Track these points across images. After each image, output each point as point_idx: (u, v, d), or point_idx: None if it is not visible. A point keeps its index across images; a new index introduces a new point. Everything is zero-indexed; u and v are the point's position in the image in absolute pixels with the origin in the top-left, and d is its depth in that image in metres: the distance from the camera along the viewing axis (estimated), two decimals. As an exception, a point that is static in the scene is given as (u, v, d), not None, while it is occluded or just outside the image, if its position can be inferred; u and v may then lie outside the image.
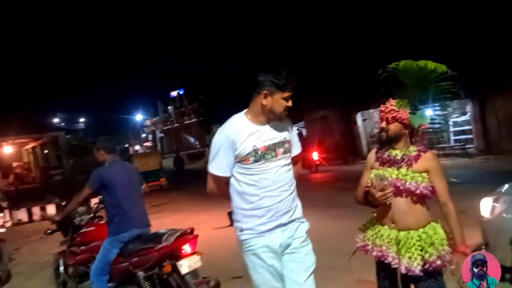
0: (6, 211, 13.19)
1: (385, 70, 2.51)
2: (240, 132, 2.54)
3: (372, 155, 2.62)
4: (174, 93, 45.53)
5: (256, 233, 2.55)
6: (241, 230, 2.59)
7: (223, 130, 2.57)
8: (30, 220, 13.78)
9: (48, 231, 4.79)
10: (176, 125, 45.57)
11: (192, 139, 41.15)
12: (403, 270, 2.33)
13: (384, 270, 2.47)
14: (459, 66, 2.84)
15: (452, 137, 18.26)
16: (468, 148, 16.36)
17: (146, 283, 3.86)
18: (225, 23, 24.86)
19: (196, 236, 3.84)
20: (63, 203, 4.94)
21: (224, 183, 2.64)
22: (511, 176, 10.07)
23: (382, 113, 2.51)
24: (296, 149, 2.73)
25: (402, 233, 2.39)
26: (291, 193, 2.63)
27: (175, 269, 3.71)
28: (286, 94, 2.55)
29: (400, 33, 16.46)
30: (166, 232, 3.88)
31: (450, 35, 14.81)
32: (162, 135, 51.06)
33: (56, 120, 37.45)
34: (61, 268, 4.74)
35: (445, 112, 16.71)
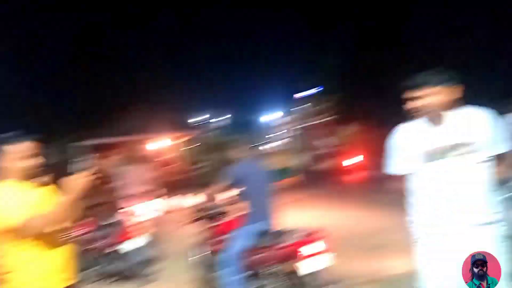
0: (162, 199, 14.74)
1: None
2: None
3: None
4: (310, 91, 45.84)
5: None
6: None
7: None
8: (178, 208, 15.20)
9: (189, 220, 5.24)
10: (311, 123, 45.84)
11: (326, 138, 40.98)
12: None
13: None
14: None
15: None
16: None
17: (269, 279, 3.99)
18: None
19: (322, 237, 3.81)
20: (205, 194, 5.34)
21: None
22: None
23: None
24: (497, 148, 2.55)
25: None
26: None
27: (295, 269, 3.74)
28: None
29: None
30: (292, 230, 3.94)
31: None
32: (296, 132, 51.80)
33: (203, 117, 40.92)
34: (202, 255, 5.13)
35: None
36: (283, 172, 10.08)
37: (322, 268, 3.71)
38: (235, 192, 4.84)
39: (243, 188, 4.28)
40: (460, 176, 2.53)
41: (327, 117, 40.09)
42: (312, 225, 4.13)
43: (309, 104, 46.35)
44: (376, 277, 4.65)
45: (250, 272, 4.26)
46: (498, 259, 2.44)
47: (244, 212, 4.35)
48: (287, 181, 10.90)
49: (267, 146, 57.21)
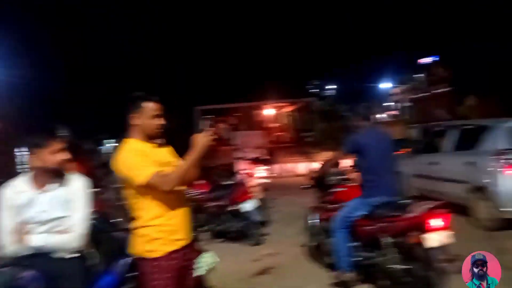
0: (269, 165, 15.24)
1: None
2: None
3: None
4: (425, 60, 42.92)
5: None
6: None
7: None
8: (286, 175, 15.59)
9: (304, 186, 5.32)
10: (425, 94, 43.06)
11: (441, 110, 38.29)
12: None
13: None
14: None
15: None
16: None
17: (390, 249, 3.94)
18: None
19: (449, 212, 3.67)
20: (320, 162, 5.38)
21: None
22: None
23: None
24: None
25: None
26: None
27: (421, 241, 3.65)
28: None
29: None
30: (417, 202, 3.84)
31: None
32: (409, 104, 49.17)
33: (310, 87, 40.48)
34: (314, 221, 5.21)
35: None
36: (400, 143, 9.52)
37: (446, 243, 3.58)
38: (353, 161, 4.80)
39: (362, 158, 4.21)
40: None
41: (444, 87, 37.31)
42: (434, 200, 3.96)
43: (426, 73, 43.46)
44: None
45: (365, 242, 4.26)
46: None
47: (362, 182, 4.30)
48: (399, 152, 10.42)
49: (384, 116, 55.29)
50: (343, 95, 45.44)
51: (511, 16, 21.46)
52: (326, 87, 48.67)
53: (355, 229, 4.32)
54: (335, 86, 49.13)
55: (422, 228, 3.65)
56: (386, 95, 57.77)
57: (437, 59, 39.71)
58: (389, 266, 3.95)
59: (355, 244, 4.36)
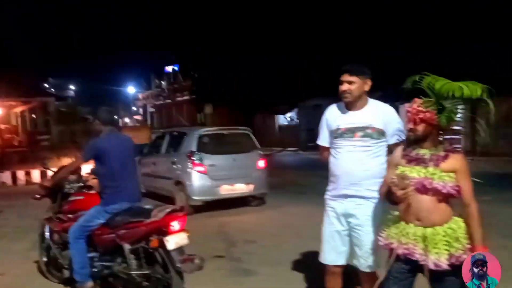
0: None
1: (415, 83, 2.57)
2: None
3: (397, 153, 2.67)
4: (168, 68, 45.08)
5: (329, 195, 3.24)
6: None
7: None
8: (15, 183, 13.73)
9: (36, 196, 4.78)
10: (168, 101, 45.23)
11: (182, 117, 40.92)
12: (432, 266, 2.39)
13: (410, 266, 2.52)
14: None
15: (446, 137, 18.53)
16: (456, 147, 16.55)
17: (132, 255, 3.92)
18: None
19: (186, 214, 3.89)
20: (55, 170, 4.94)
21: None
22: (493, 177, 10.36)
23: (410, 114, 2.52)
24: (393, 138, 3.10)
25: (429, 230, 2.44)
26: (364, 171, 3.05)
27: (162, 245, 3.74)
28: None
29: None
30: (156, 207, 3.93)
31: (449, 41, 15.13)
32: (153, 110, 50.69)
33: (46, 85, 36.85)
34: (47, 234, 4.74)
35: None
36: (143, 148, 10.18)
37: (184, 244, 3.78)
38: (91, 168, 4.57)
39: (102, 164, 4.04)
40: (359, 155, 3.07)
41: (185, 96, 40.00)
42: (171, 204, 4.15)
43: (169, 81, 45.61)
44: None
45: (106, 251, 4.11)
46: (370, 229, 3.03)
47: (101, 190, 4.13)
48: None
49: (125, 120, 54.82)
50: (86, 97, 43.25)
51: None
52: (69, 86, 45.40)
53: (95, 238, 4.14)
54: (76, 87, 46.31)
55: (162, 232, 3.75)
56: (132, 100, 58.04)
57: (177, 68, 42.11)
58: (130, 273, 3.92)
59: (94, 254, 4.18)
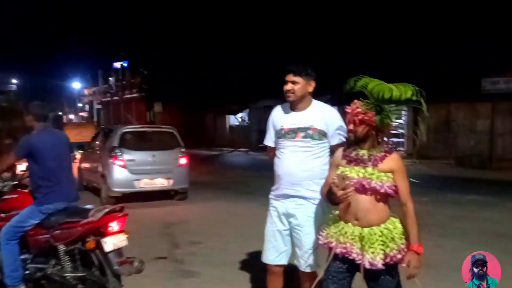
0: None
1: (352, 86, 2.60)
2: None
3: (338, 154, 2.70)
4: (117, 64, 43.74)
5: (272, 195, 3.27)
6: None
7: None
8: None
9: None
10: (116, 98, 43.89)
11: (131, 115, 39.90)
12: (367, 265, 2.43)
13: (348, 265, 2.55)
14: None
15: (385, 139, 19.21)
16: (399, 150, 17.23)
17: (66, 257, 3.75)
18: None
19: (125, 215, 3.75)
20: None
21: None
22: (432, 179, 10.85)
23: (349, 115, 2.55)
24: (335, 139, 3.13)
25: (366, 230, 2.49)
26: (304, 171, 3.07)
27: (99, 246, 3.60)
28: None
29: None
30: (94, 207, 3.77)
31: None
32: (100, 106, 49.03)
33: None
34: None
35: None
36: (80, 146, 10.62)
37: (122, 245, 3.65)
38: (25, 165, 4.31)
39: (35, 162, 3.82)
40: (300, 155, 3.10)
41: (134, 93, 38.98)
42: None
43: (117, 78, 44.27)
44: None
45: (39, 252, 3.91)
46: (311, 230, 3.05)
47: (35, 189, 3.91)
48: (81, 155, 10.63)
49: (70, 117, 52.62)
50: (29, 91, 41.15)
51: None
52: (11, 80, 42.97)
53: (28, 239, 3.92)
54: (18, 80, 43.93)
55: (100, 233, 3.62)
56: (78, 96, 55.93)
57: (126, 65, 41.01)
58: (64, 275, 3.74)
59: (27, 256, 3.96)
